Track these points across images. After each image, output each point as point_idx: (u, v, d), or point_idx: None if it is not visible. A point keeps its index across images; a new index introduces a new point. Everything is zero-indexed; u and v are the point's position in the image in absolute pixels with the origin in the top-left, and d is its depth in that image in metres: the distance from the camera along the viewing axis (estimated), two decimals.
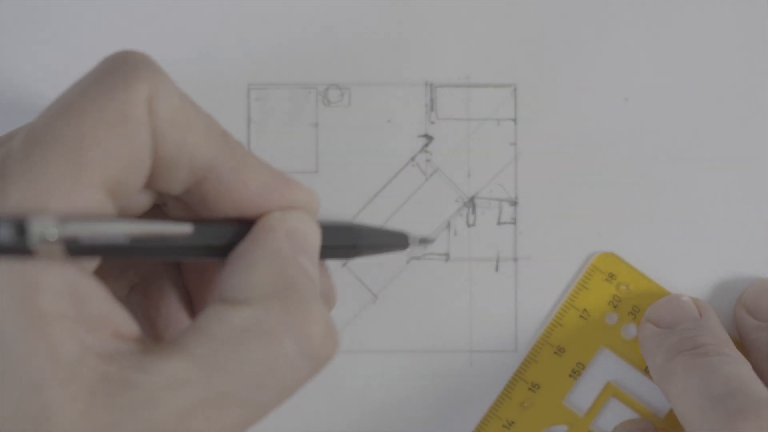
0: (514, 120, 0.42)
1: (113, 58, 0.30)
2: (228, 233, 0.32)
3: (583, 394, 0.42)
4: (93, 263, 0.31)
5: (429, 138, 0.42)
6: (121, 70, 0.30)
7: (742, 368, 0.38)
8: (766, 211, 0.42)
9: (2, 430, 0.28)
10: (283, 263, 0.31)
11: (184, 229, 0.31)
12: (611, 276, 0.42)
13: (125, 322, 0.30)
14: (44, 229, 0.28)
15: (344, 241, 0.36)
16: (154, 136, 0.30)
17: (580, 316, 0.42)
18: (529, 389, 0.42)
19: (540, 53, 0.42)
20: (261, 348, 0.30)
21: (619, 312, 0.42)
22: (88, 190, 0.29)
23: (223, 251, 0.32)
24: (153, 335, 0.38)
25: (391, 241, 0.38)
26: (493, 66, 0.42)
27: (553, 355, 0.42)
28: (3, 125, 0.41)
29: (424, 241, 0.42)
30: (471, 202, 0.42)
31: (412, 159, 0.42)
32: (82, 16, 0.41)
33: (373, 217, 0.42)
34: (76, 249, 0.29)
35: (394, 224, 0.42)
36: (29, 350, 0.28)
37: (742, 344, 0.41)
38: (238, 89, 0.42)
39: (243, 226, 0.32)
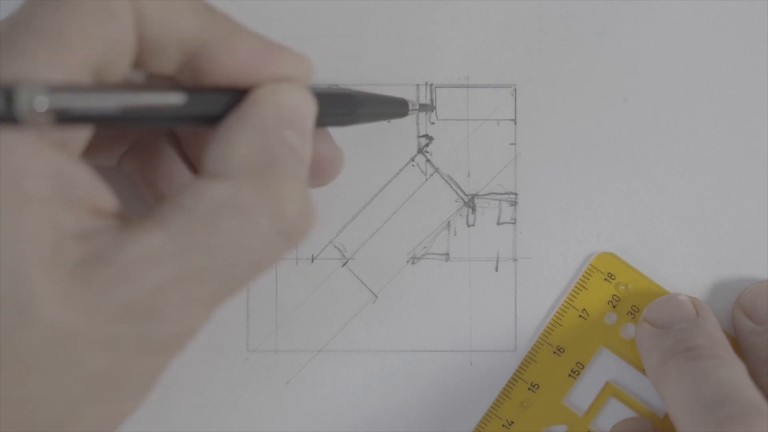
0: (514, 120, 0.42)
1: None
2: (218, 102, 0.32)
3: (583, 394, 0.42)
4: (84, 135, 0.31)
5: (429, 138, 0.42)
6: None
7: (736, 372, 0.37)
8: (766, 212, 0.42)
9: None
10: (265, 137, 0.31)
11: (177, 99, 0.31)
12: (610, 276, 0.42)
13: (105, 199, 0.30)
14: (33, 97, 0.28)
15: (341, 109, 0.35)
16: (136, 17, 0.31)
17: (580, 316, 0.42)
18: (529, 389, 0.42)
19: (540, 53, 0.42)
20: (234, 223, 0.30)
21: (618, 312, 0.42)
22: (70, 68, 0.29)
23: (213, 121, 0.32)
24: (156, 196, 0.38)
25: (389, 108, 0.37)
26: (493, 66, 0.42)
27: (553, 354, 0.42)
28: None
29: (424, 106, 0.41)
30: (471, 202, 0.42)
31: (412, 159, 0.42)
32: None
33: (372, 217, 0.42)
34: (64, 119, 0.28)
35: (394, 224, 0.42)
36: (10, 235, 0.28)
37: (738, 347, 0.41)
38: None
39: (234, 95, 0.32)
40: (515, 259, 0.42)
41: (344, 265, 0.42)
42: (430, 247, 0.42)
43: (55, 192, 0.29)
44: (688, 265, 0.42)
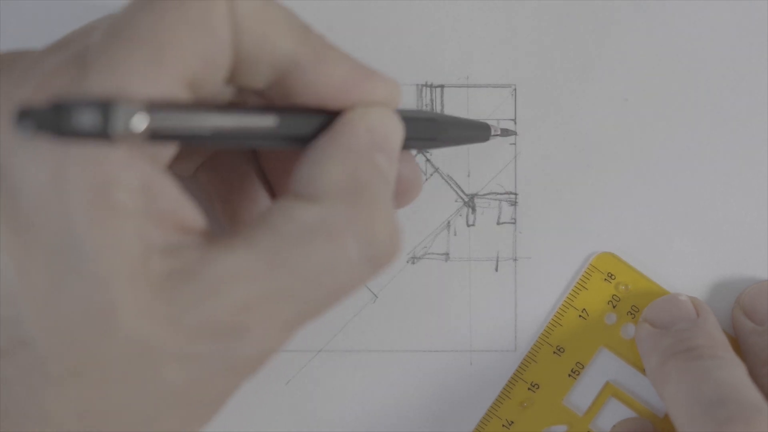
0: (514, 120, 0.42)
1: None
2: (309, 124, 0.32)
3: (583, 394, 0.42)
4: (172, 149, 0.31)
5: None
6: None
7: (735, 372, 0.37)
8: (766, 212, 0.42)
9: (67, 323, 0.28)
10: (357, 161, 0.31)
11: (268, 121, 0.31)
12: (610, 276, 0.42)
13: (192, 215, 0.30)
14: (130, 115, 0.27)
15: (426, 134, 0.35)
16: (234, 33, 0.30)
17: (579, 316, 0.42)
18: (529, 389, 0.42)
19: (540, 53, 0.42)
20: (324, 247, 0.30)
21: (618, 312, 0.42)
22: (167, 83, 0.29)
23: (302, 142, 0.32)
24: (229, 213, 0.38)
25: (472, 132, 0.38)
26: (493, 66, 0.42)
27: (553, 354, 0.42)
28: None
29: (506, 132, 0.41)
30: (471, 202, 0.42)
31: None
32: (81, 18, 0.41)
33: None
34: (157, 137, 0.28)
35: None
36: (99, 245, 0.28)
37: (738, 347, 0.41)
38: None
39: (325, 117, 0.32)
40: (515, 259, 0.42)
41: None
42: (430, 247, 0.42)
43: (144, 205, 0.29)
44: (688, 265, 0.42)
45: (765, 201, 0.42)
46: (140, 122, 0.27)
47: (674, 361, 0.38)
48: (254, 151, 0.38)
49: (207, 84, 0.30)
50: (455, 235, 0.42)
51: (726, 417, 0.35)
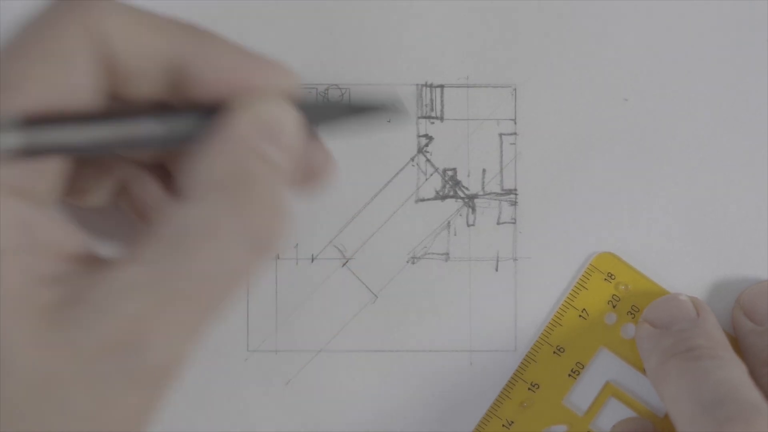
0: (514, 120, 0.42)
1: None
2: (190, 121, 0.31)
3: (583, 394, 0.42)
4: (49, 182, 0.31)
5: (429, 138, 0.42)
6: (61, 5, 0.31)
7: (735, 372, 0.37)
8: (766, 212, 0.42)
9: None
10: (238, 153, 0.31)
11: (149, 128, 0.31)
12: (610, 275, 0.42)
13: (75, 242, 0.30)
14: (3, 132, 0.27)
15: (323, 118, 0.34)
16: (100, 58, 0.31)
17: (580, 316, 0.42)
18: (529, 389, 0.42)
19: (540, 53, 0.42)
20: (206, 245, 0.30)
21: (618, 312, 0.42)
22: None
23: (192, 141, 0.31)
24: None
25: (360, 116, 0.37)
26: (493, 66, 0.42)
27: (553, 354, 0.42)
28: None
29: (396, 107, 0.40)
30: (471, 202, 0.42)
31: (412, 159, 0.42)
32: None
33: (372, 217, 0.42)
34: (33, 153, 0.28)
35: (394, 224, 0.42)
36: None
37: (738, 347, 0.41)
38: None
39: (208, 112, 0.31)
40: (515, 259, 0.42)
41: (344, 265, 0.42)
42: (430, 247, 0.42)
43: (22, 240, 0.29)
44: (688, 265, 0.42)
45: (765, 201, 0.42)
46: (13, 140, 0.27)
47: (674, 361, 0.38)
48: (165, 168, 0.37)
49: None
50: (455, 235, 0.42)
51: (726, 417, 0.35)
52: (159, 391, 0.30)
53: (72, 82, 0.30)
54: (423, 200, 0.42)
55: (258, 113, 0.32)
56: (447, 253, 0.42)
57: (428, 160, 0.42)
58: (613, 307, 0.42)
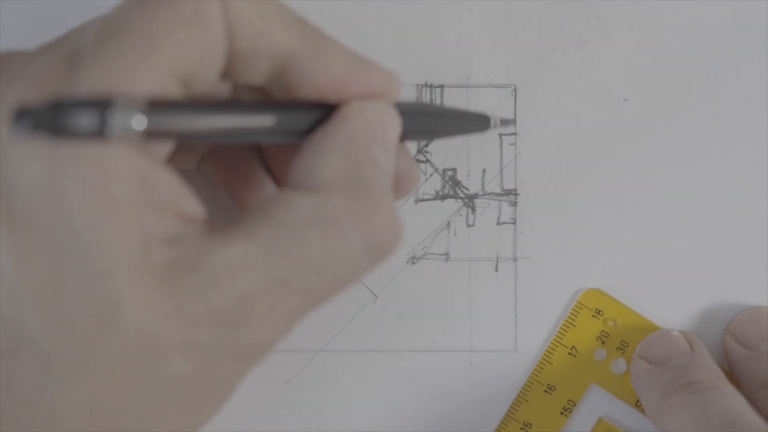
0: (514, 120, 0.42)
1: None
2: (307, 119, 0.32)
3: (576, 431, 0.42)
4: (166, 146, 0.31)
5: None
6: None
7: (738, 401, 0.38)
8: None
9: (70, 319, 0.28)
10: (354, 153, 0.31)
11: (265, 119, 0.31)
12: (598, 312, 0.42)
13: (192, 206, 0.30)
14: (129, 116, 0.27)
15: (423, 127, 0.36)
16: (228, 30, 0.30)
17: (569, 353, 0.42)
18: (522, 428, 0.42)
19: (540, 53, 0.42)
20: (324, 237, 0.30)
21: (607, 347, 0.42)
22: (158, 80, 0.29)
23: (300, 135, 0.32)
24: (237, 204, 0.38)
25: (469, 124, 0.38)
26: (493, 66, 0.42)
27: (544, 393, 0.42)
28: None
29: (505, 121, 0.41)
30: (471, 202, 0.42)
31: None
32: (81, 18, 0.41)
33: None
34: (153, 136, 0.28)
35: None
36: (99, 239, 0.28)
37: (732, 374, 0.41)
38: None
39: (324, 111, 0.32)
40: (515, 259, 0.42)
41: None
42: (430, 247, 0.42)
43: (142, 197, 0.29)
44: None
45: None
46: (138, 123, 0.27)
47: (676, 396, 0.38)
48: (258, 144, 0.38)
49: (200, 81, 0.30)
50: (455, 235, 0.42)
51: None
52: (249, 368, 0.31)
53: (210, 51, 0.30)
54: (423, 200, 0.42)
55: (370, 116, 0.32)
56: (447, 254, 0.42)
57: (428, 160, 0.42)
58: (602, 343, 0.42)
